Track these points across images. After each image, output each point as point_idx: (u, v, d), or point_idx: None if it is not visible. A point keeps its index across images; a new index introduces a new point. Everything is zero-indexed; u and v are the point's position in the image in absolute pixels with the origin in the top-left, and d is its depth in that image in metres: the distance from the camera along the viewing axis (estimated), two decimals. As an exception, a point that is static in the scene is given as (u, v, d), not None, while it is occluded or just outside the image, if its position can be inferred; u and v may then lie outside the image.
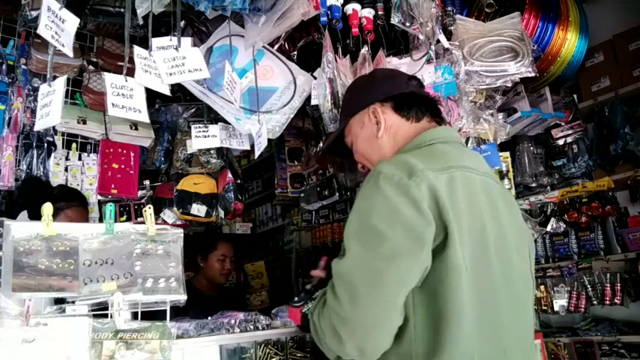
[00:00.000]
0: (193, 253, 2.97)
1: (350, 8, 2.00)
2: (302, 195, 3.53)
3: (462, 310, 1.06)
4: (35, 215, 1.42)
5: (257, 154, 1.94)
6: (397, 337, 1.09)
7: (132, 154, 2.41)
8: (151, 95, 1.81)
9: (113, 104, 1.58)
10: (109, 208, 1.42)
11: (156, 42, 1.67)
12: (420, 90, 1.42)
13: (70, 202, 2.17)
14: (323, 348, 1.18)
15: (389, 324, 1.06)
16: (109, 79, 1.61)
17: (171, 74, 1.67)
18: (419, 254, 1.04)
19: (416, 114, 1.33)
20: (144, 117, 1.65)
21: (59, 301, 1.31)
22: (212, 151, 2.51)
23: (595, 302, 2.94)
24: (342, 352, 1.12)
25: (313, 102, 2.04)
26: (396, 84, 1.39)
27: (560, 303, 3.07)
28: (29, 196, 2.22)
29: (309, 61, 2.23)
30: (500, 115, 2.50)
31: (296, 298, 1.39)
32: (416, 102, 1.35)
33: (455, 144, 1.29)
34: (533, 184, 3.09)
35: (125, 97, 1.60)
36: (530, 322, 1.26)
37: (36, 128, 1.66)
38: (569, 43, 2.71)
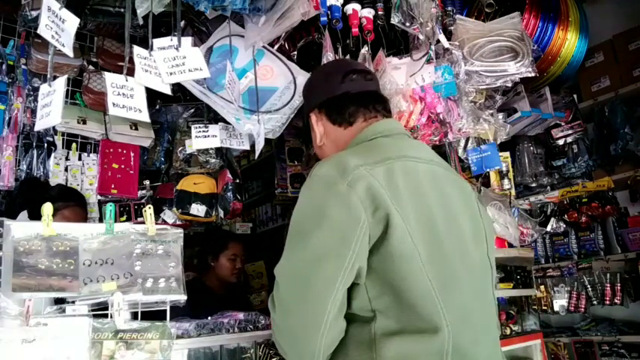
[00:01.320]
0: (203, 252, 2.97)
1: (350, 8, 2.00)
2: (302, 195, 3.52)
3: (423, 295, 1.04)
4: (35, 215, 1.42)
5: (257, 154, 1.94)
6: (358, 328, 1.08)
7: (132, 154, 2.41)
8: (152, 95, 1.81)
9: (114, 104, 1.58)
10: (109, 208, 1.41)
11: (156, 42, 1.67)
12: (357, 86, 1.33)
13: (67, 202, 2.16)
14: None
15: (323, 329, 1.02)
16: (110, 78, 1.61)
17: (171, 74, 1.67)
18: (346, 254, 1.02)
19: (347, 119, 1.30)
20: (144, 117, 1.64)
21: (59, 301, 1.30)
22: (211, 151, 2.51)
23: (595, 302, 2.95)
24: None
25: (313, 102, 2.04)
26: (327, 87, 1.35)
27: (560, 303, 3.07)
28: (27, 196, 2.22)
29: (309, 61, 2.23)
30: (500, 115, 2.50)
31: None
32: (345, 105, 1.31)
33: (398, 136, 1.26)
34: (533, 184, 3.10)
35: (126, 97, 1.60)
36: (494, 311, 1.25)
37: (36, 128, 1.66)
38: (569, 43, 2.71)
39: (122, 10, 2.04)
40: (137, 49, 1.64)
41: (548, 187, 3.10)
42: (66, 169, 2.43)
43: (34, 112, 2.21)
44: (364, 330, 1.07)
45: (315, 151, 1.44)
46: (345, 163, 1.09)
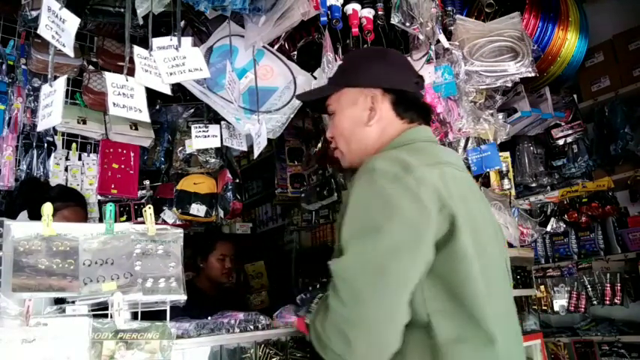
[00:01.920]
0: (193, 254, 2.97)
1: (350, 8, 2.00)
2: (302, 195, 3.53)
3: (479, 299, 1.06)
4: (35, 215, 1.42)
5: (256, 154, 1.94)
6: (416, 333, 1.07)
7: (132, 154, 2.41)
8: (152, 95, 1.81)
9: (114, 104, 1.58)
10: (109, 208, 1.41)
11: (156, 42, 1.67)
12: (420, 93, 1.40)
13: (67, 202, 2.16)
14: (327, 357, 1.13)
15: (395, 322, 1.04)
16: (110, 78, 1.61)
17: (171, 74, 1.67)
18: (420, 248, 1.03)
19: (411, 117, 1.31)
20: (144, 116, 1.64)
21: (59, 301, 1.30)
22: (211, 151, 2.51)
23: (595, 302, 2.95)
24: (350, 355, 1.08)
25: (313, 102, 2.04)
26: (405, 78, 1.34)
27: (560, 303, 3.07)
28: (27, 196, 2.22)
29: (309, 61, 2.23)
30: (500, 115, 2.50)
31: (298, 300, 1.36)
32: (414, 105, 1.33)
33: (433, 143, 1.31)
34: (533, 184, 3.10)
35: (126, 97, 1.60)
36: (516, 315, 1.29)
37: (39, 129, 1.66)
38: (569, 43, 2.71)
39: (122, 10, 2.04)
40: (137, 49, 1.64)
41: (548, 187, 3.10)
42: (66, 169, 2.42)
43: (34, 112, 2.21)
44: (423, 335, 1.07)
45: (344, 126, 1.33)
46: (405, 160, 1.09)
